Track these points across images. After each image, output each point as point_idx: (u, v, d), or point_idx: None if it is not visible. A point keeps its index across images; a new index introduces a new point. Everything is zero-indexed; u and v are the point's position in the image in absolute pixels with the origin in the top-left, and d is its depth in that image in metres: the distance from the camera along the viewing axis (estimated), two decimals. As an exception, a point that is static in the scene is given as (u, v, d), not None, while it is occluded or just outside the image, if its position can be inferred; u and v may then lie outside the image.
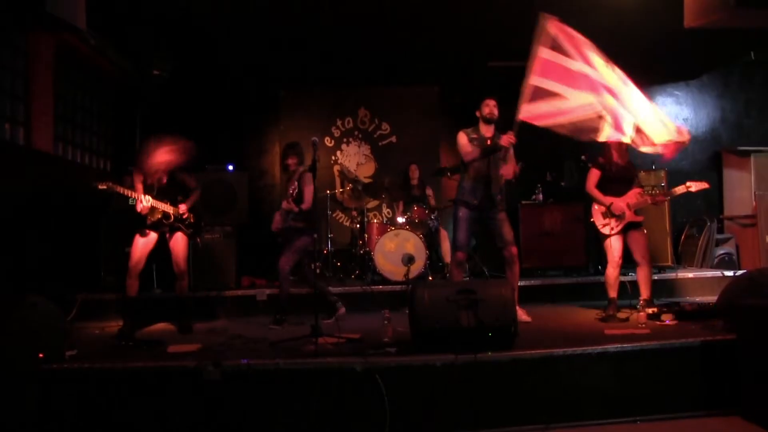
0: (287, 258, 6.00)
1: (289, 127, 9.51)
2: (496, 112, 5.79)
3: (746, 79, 9.92)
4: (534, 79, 5.08)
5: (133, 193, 5.51)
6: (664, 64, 9.00)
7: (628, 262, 6.11)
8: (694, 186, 5.82)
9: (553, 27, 5.09)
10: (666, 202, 6.00)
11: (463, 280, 6.25)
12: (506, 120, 5.93)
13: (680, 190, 5.84)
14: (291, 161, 6.23)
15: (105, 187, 5.40)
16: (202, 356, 4.35)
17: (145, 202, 5.47)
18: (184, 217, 5.73)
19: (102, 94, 8.40)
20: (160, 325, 6.09)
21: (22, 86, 6.40)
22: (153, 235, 5.60)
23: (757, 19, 5.23)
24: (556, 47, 5.09)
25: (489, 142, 5.74)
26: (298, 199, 6.05)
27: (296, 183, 6.13)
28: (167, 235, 5.71)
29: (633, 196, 5.87)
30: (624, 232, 5.88)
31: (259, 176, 9.39)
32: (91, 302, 6.51)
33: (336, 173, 9.56)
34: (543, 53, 5.06)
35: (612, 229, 5.87)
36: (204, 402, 4.02)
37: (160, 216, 5.60)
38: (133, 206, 5.57)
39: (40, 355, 4.06)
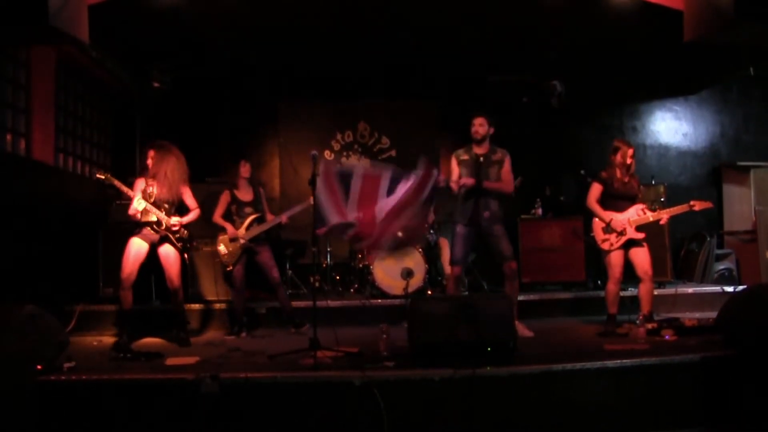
0: (277, 268, 6.43)
1: (288, 140, 9.53)
2: (481, 131, 5.76)
3: (744, 94, 9.94)
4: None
5: (129, 191, 5.56)
6: (663, 78, 9.04)
7: (629, 277, 6.10)
8: (697, 205, 5.81)
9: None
10: (667, 220, 5.93)
11: (461, 294, 6.25)
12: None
13: (682, 209, 5.83)
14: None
15: (103, 177, 5.55)
16: (201, 369, 4.34)
17: (137, 203, 5.48)
18: (174, 229, 5.69)
19: (101, 106, 8.43)
20: (159, 338, 6.05)
21: (23, 98, 6.42)
22: (145, 246, 5.57)
23: (756, 34, 5.24)
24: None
25: (481, 159, 5.77)
26: (264, 214, 6.49)
27: (254, 195, 6.51)
28: (158, 248, 5.67)
29: (635, 212, 5.83)
30: (625, 248, 5.84)
31: (258, 189, 9.39)
32: (89, 313, 6.50)
33: (335, 186, 9.55)
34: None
35: (612, 244, 5.84)
36: (202, 415, 4.01)
37: (153, 221, 5.57)
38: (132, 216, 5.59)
39: (39, 367, 4.05)
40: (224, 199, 6.46)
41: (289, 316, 6.42)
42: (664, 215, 5.82)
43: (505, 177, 5.85)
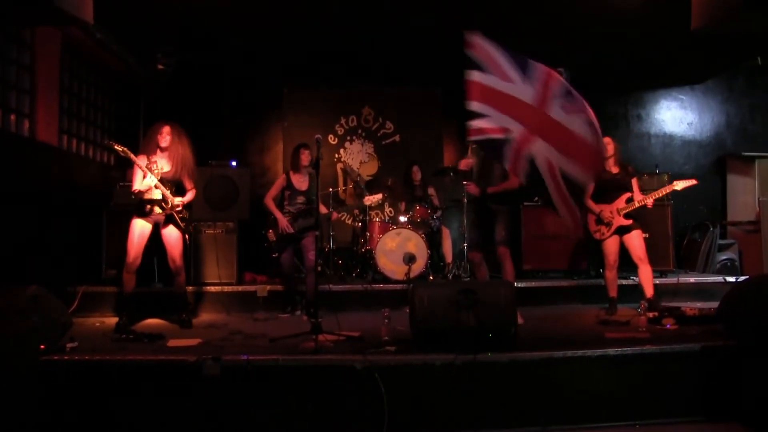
0: (315, 252, 6.30)
1: (292, 124, 9.50)
2: None
3: (750, 84, 9.89)
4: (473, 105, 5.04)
5: (140, 163, 5.40)
6: (669, 67, 8.98)
7: (629, 265, 6.28)
8: (680, 185, 5.94)
9: (478, 47, 5.04)
10: (668, 206, 6.00)
11: (464, 280, 6.26)
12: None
13: (666, 190, 5.99)
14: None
15: (120, 149, 5.35)
16: (202, 351, 4.36)
17: (150, 179, 5.36)
18: (178, 208, 5.63)
19: (106, 88, 8.40)
20: (161, 320, 6.09)
21: (28, 79, 6.40)
22: (148, 227, 5.52)
23: (764, 23, 5.19)
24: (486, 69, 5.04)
25: None
26: (317, 204, 6.20)
27: (309, 185, 6.54)
28: (161, 227, 5.61)
29: (622, 201, 6.08)
30: (620, 235, 6.10)
31: (261, 173, 9.36)
32: (92, 295, 6.52)
33: (339, 171, 9.56)
34: (474, 76, 5.00)
35: (603, 234, 6.15)
36: (203, 397, 4.03)
37: (159, 198, 5.51)
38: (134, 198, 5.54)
39: (42, 347, 4.08)
40: (280, 182, 6.65)
41: (309, 303, 6.34)
42: (648, 200, 6.01)
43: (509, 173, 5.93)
